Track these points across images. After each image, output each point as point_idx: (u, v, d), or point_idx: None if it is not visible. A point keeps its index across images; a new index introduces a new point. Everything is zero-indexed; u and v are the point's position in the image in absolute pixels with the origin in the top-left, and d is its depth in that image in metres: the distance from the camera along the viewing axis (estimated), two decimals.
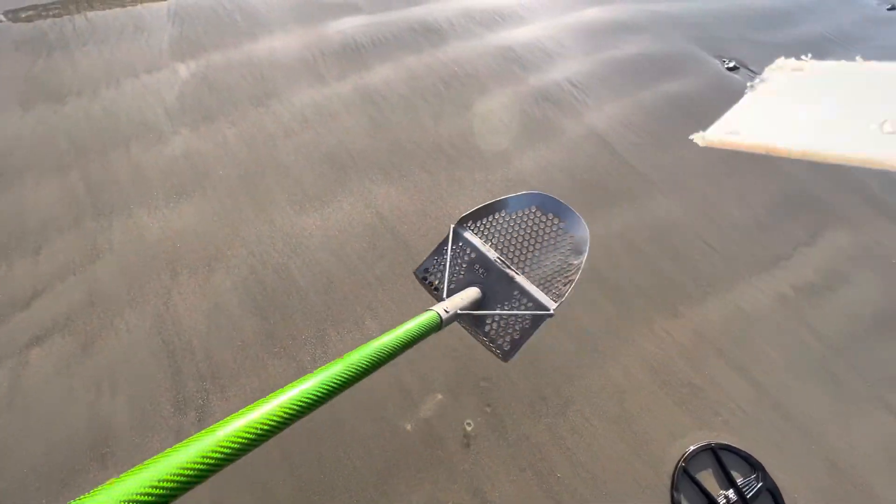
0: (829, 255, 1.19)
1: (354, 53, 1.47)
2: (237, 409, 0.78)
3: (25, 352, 0.80)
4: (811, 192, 1.34)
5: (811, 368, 0.96)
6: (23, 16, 1.39)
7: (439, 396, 0.83)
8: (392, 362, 0.87)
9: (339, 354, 0.86)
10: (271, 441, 0.75)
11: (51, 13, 1.41)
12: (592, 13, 1.82)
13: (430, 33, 1.59)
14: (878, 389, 0.95)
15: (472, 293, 0.64)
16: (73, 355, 0.81)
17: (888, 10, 2.19)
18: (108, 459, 0.72)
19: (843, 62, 0.39)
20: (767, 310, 1.05)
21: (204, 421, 0.76)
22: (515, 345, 0.62)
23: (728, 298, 1.04)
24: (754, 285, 1.09)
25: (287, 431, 0.77)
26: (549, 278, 0.65)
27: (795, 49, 1.84)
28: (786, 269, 1.13)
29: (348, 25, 1.56)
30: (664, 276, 1.05)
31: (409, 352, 0.88)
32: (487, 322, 0.64)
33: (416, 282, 0.98)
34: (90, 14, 1.42)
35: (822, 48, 1.88)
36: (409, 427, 0.80)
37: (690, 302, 1.01)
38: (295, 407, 0.38)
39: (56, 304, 0.86)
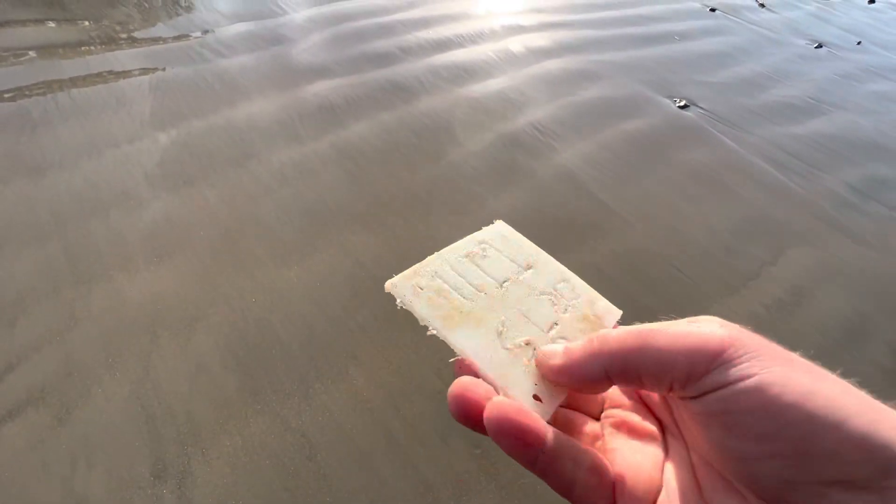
0: (794, 272, 1.25)
1: (329, 113, 1.55)
2: (218, 472, 0.77)
3: None
4: (770, 215, 1.42)
5: None
6: (6, 96, 1.44)
7: (427, 442, 0.82)
8: (376, 410, 0.86)
9: (325, 406, 0.85)
10: None
11: (34, 92, 1.46)
12: (550, 64, 1.97)
13: (401, 91, 1.69)
14: None
15: None
16: (48, 428, 0.78)
17: (815, 48, 2.42)
18: None
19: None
20: None
21: (185, 487, 0.74)
22: None
23: None
24: (727, 306, 1.13)
25: (272, 494, 0.75)
26: None
27: (739, 86, 2.01)
28: (754, 289, 1.18)
29: (323, 88, 1.65)
30: (639, 304, 1.09)
31: (395, 397, 0.88)
32: None
33: (399, 327, 0.99)
34: (73, 91, 1.49)
35: (760, 84, 2.05)
36: (397, 475, 0.78)
37: None
38: None
39: (31, 376, 0.84)
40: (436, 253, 0.32)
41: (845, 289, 1.22)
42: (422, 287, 0.30)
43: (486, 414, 0.24)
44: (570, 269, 0.33)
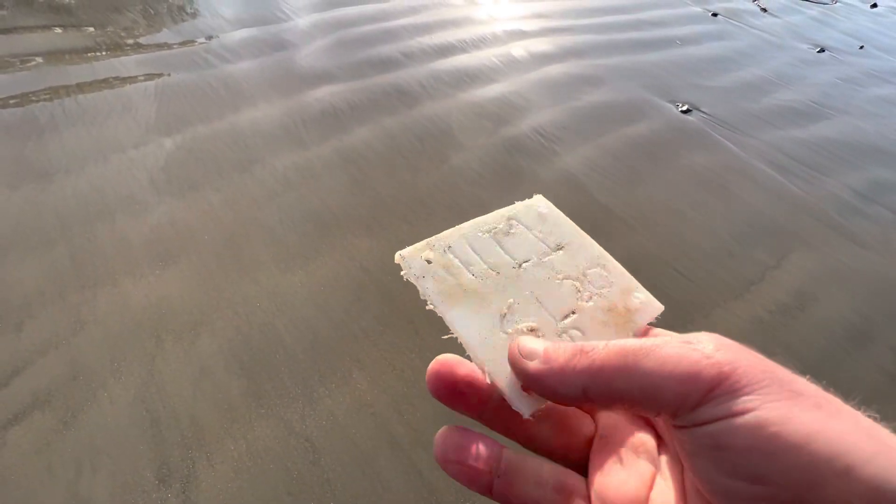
0: (798, 276, 1.25)
1: (333, 118, 1.56)
2: (223, 476, 0.77)
3: (2, 432, 0.78)
4: (773, 219, 1.42)
5: None
6: (12, 102, 1.45)
7: (430, 446, 0.82)
8: (379, 414, 0.86)
9: (328, 410, 0.85)
10: None
11: (41, 98, 1.48)
12: (553, 69, 1.98)
13: (404, 95, 1.70)
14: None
15: None
16: (53, 432, 0.79)
17: (818, 52, 2.42)
18: None
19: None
20: (746, 333, 1.08)
21: (189, 491, 0.74)
22: None
23: (706, 325, 1.07)
24: (730, 310, 1.13)
25: (276, 498, 0.75)
26: None
27: (741, 90, 2.01)
28: (758, 293, 1.18)
29: (326, 93, 1.66)
30: None
31: (398, 401, 0.88)
32: None
33: (403, 331, 0.99)
34: (80, 97, 1.50)
35: (762, 89, 2.05)
36: (400, 480, 0.78)
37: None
38: None
39: (37, 379, 0.85)
40: (456, 226, 0.31)
41: (849, 292, 1.21)
42: (430, 261, 0.29)
43: (435, 451, 0.24)
44: None
